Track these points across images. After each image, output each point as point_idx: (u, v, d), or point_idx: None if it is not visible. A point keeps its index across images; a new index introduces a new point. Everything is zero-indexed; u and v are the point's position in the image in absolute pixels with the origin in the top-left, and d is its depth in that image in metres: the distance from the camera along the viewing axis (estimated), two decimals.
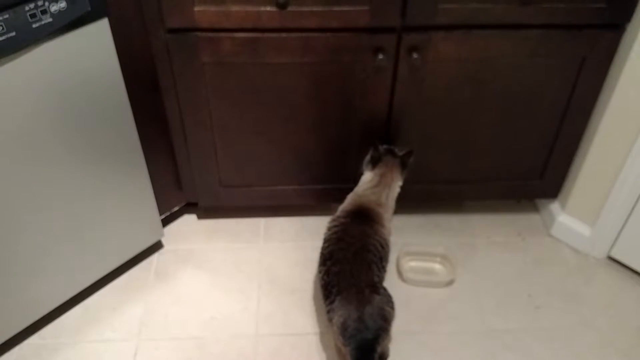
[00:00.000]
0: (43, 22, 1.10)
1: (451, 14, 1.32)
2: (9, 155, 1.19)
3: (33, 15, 1.08)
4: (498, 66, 1.43)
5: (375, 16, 1.31)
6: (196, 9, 1.29)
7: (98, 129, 1.32)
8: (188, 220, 1.81)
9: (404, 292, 1.58)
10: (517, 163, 1.64)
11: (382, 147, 1.48)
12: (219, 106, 1.48)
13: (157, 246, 1.71)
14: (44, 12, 1.10)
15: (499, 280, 1.63)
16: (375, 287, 1.27)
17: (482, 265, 1.67)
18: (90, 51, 1.22)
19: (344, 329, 1.22)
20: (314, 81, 1.44)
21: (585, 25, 1.36)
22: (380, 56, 1.37)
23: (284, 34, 1.34)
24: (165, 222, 1.77)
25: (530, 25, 1.35)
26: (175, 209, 1.73)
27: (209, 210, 1.82)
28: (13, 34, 1.07)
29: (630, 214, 1.55)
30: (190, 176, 1.63)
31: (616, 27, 1.37)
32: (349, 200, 1.46)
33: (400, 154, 1.48)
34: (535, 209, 1.85)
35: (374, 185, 1.45)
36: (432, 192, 1.71)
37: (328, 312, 1.28)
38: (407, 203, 1.71)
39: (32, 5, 1.08)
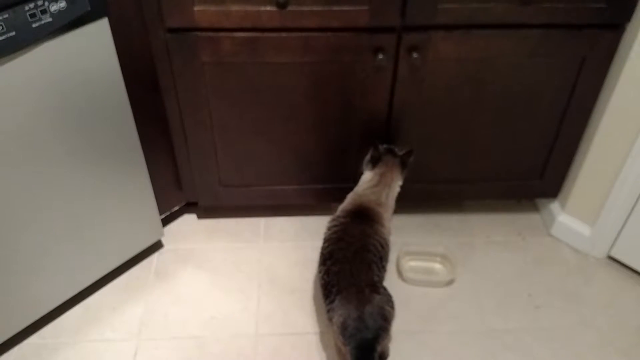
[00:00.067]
0: (43, 22, 1.10)
1: (451, 13, 1.32)
2: (9, 155, 1.19)
3: (33, 15, 1.08)
4: (498, 66, 1.43)
5: (375, 16, 1.31)
6: (196, 8, 1.29)
7: (98, 128, 1.32)
8: (188, 220, 1.81)
9: (404, 291, 1.58)
10: (517, 163, 1.64)
11: (382, 147, 1.48)
12: (218, 106, 1.48)
13: (157, 246, 1.71)
14: (43, 11, 1.10)
15: (499, 280, 1.63)
16: (375, 287, 1.27)
17: (482, 265, 1.67)
18: (90, 51, 1.22)
19: (344, 328, 1.22)
20: (314, 81, 1.44)
21: (585, 25, 1.36)
22: (380, 56, 1.37)
23: (283, 34, 1.34)
24: (165, 221, 1.77)
25: (530, 25, 1.35)
26: (175, 208, 1.73)
27: (208, 210, 1.82)
28: (13, 33, 1.07)
29: (630, 214, 1.55)
30: (190, 176, 1.63)
31: (616, 27, 1.37)
32: (349, 199, 1.46)
33: (400, 153, 1.48)
34: (535, 208, 1.85)
35: (374, 184, 1.45)
36: (432, 192, 1.71)
37: (328, 311, 1.28)
38: (407, 203, 1.71)
39: (31, 5, 1.08)
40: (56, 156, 1.28)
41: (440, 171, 1.65)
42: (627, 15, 1.34)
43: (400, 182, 1.47)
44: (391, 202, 1.46)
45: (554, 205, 1.75)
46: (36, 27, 1.10)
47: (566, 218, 1.71)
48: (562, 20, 1.34)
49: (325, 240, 1.38)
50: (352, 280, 1.26)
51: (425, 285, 1.61)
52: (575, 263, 1.68)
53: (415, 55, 1.37)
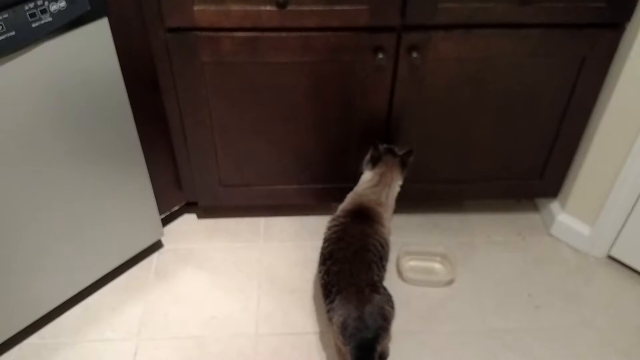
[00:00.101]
0: (43, 22, 1.10)
1: (451, 13, 1.32)
2: (9, 155, 1.19)
3: (33, 15, 1.08)
4: (498, 66, 1.43)
5: (374, 15, 1.31)
6: (196, 8, 1.29)
7: (98, 128, 1.32)
8: (188, 220, 1.81)
9: (403, 291, 1.58)
10: (517, 162, 1.64)
11: (382, 147, 1.48)
12: (218, 106, 1.47)
13: (157, 245, 1.71)
14: (43, 11, 1.10)
15: (498, 280, 1.63)
16: (375, 287, 1.27)
17: (482, 265, 1.67)
18: (90, 51, 1.22)
19: (343, 328, 1.22)
20: (314, 80, 1.43)
21: (585, 24, 1.36)
22: (380, 55, 1.36)
23: (283, 33, 1.34)
24: (165, 221, 1.77)
25: (530, 25, 1.35)
26: (175, 208, 1.73)
27: (208, 209, 1.82)
28: (13, 33, 1.07)
29: (630, 213, 1.55)
30: (190, 176, 1.63)
31: (616, 27, 1.37)
32: (349, 199, 1.46)
33: (400, 153, 1.48)
34: (535, 208, 1.85)
35: (373, 184, 1.45)
36: (432, 192, 1.71)
37: (328, 311, 1.28)
38: (407, 202, 1.70)
39: (31, 5, 1.07)
40: (56, 156, 1.28)
41: (440, 171, 1.65)
42: (627, 15, 1.34)
43: (400, 182, 1.47)
44: (391, 202, 1.46)
45: (554, 205, 1.75)
46: (36, 27, 1.10)
47: (566, 218, 1.71)
48: (562, 19, 1.34)
49: (325, 240, 1.38)
50: (352, 280, 1.26)
51: (425, 285, 1.61)
52: (575, 263, 1.68)
53: (415, 54, 1.37)
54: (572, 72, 1.45)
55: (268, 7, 1.29)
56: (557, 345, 1.46)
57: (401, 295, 1.50)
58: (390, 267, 1.51)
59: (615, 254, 1.66)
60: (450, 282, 1.62)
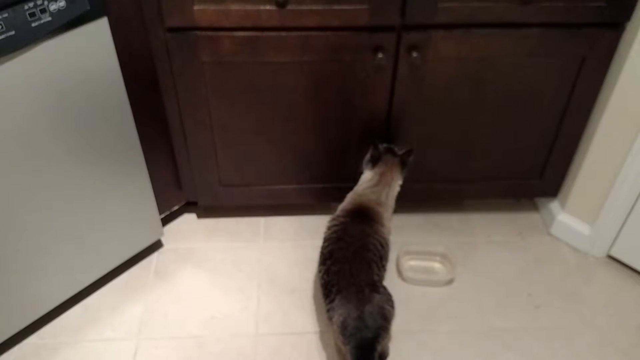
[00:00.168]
0: (42, 21, 1.10)
1: (451, 12, 1.32)
2: (8, 155, 1.19)
3: (32, 14, 1.08)
4: (498, 65, 1.42)
5: (374, 15, 1.31)
6: (196, 7, 1.29)
7: (98, 128, 1.32)
8: (188, 220, 1.81)
9: (403, 291, 1.58)
10: (517, 162, 1.64)
11: (382, 146, 1.48)
12: (218, 106, 1.47)
13: (156, 245, 1.71)
14: (43, 11, 1.10)
15: (498, 279, 1.63)
16: (375, 286, 1.27)
17: (481, 264, 1.67)
18: (90, 50, 1.22)
19: (343, 327, 1.22)
20: (314, 80, 1.43)
21: (585, 24, 1.35)
22: (380, 55, 1.36)
23: (283, 33, 1.34)
24: (165, 221, 1.77)
25: (530, 24, 1.35)
26: (175, 208, 1.73)
27: (208, 209, 1.82)
28: (12, 33, 1.07)
29: (629, 213, 1.55)
30: (190, 175, 1.63)
31: (616, 26, 1.37)
32: (349, 199, 1.46)
33: (400, 152, 1.48)
34: (535, 208, 1.85)
35: (373, 184, 1.45)
36: (432, 191, 1.71)
37: (328, 311, 1.28)
38: (407, 202, 1.70)
39: (31, 4, 1.07)
40: (56, 156, 1.28)
41: (440, 170, 1.65)
42: (627, 14, 1.34)
43: (400, 182, 1.47)
44: (391, 202, 1.46)
45: (554, 205, 1.75)
46: (35, 27, 1.10)
47: (566, 217, 1.71)
48: (562, 19, 1.34)
49: (325, 240, 1.38)
50: (352, 280, 1.26)
51: (425, 285, 1.61)
52: (575, 262, 1.68)
53: (415, 54, 1.37)
54: (572, 72, 1.45)
55: (268, 7, 1.29)
56: (557, 345, 1.46)
57: (401, 295, 1.50)
58: (390, 266, 1.51)
59: (615, 253, 1.66)
60: (450, 282, 1.62)
